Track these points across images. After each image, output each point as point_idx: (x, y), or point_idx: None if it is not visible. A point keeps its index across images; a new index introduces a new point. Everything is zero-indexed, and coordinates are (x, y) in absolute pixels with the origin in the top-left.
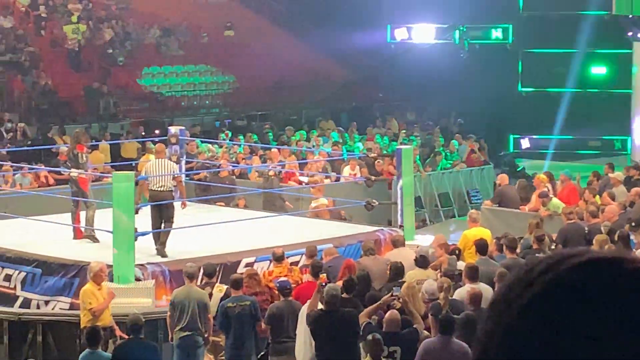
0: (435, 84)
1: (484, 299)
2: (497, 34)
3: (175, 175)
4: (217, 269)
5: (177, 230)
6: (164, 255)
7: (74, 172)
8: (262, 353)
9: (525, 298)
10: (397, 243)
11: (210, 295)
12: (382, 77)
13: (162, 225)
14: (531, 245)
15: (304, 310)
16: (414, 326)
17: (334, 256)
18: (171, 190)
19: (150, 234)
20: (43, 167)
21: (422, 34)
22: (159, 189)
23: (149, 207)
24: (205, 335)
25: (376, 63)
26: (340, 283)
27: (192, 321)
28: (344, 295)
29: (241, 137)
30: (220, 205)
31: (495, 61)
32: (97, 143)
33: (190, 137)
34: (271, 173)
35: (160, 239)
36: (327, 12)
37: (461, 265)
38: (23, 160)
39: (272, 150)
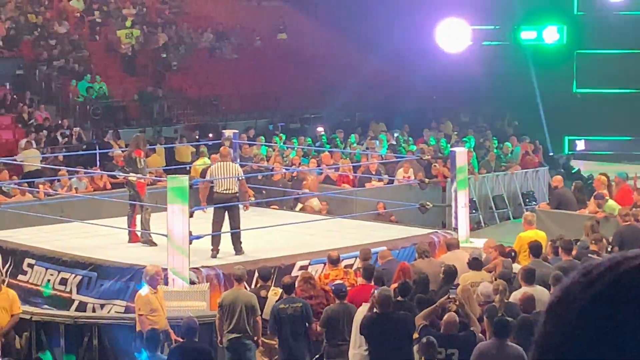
0: (489, 85)
1: (539, 301)
2: (551, 34)
3: (240, 178)
4: (272, 272)
5: (229, 233)
6: (241, 252)
7: (132, 176)
8: (317, 356)
9: (585, 299)
10: (451, 246)
11: (266, 298)
12: (436, 79)
13: (229, 227)
14: (588, 246)
15: (358, 314)
16: (471, 329)
17: (388, 259)
18: (237, 193)
19: (205, 237)
20: (98, 170)
21: (475, 35)
22: (224, 192)
23: (205, 209)
24: (255, 338)
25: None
26: (395, 286)
27: (241, 323)
28: (399, 298)
29: (295, 140)
30: (274, 209)
31: (549, 62)
32: (153, 147)
33: (245, 140)
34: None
35: (233, 242)
36: (381, 14)
37: (516, 267)
38: (78, 164)
39: (325, 153)
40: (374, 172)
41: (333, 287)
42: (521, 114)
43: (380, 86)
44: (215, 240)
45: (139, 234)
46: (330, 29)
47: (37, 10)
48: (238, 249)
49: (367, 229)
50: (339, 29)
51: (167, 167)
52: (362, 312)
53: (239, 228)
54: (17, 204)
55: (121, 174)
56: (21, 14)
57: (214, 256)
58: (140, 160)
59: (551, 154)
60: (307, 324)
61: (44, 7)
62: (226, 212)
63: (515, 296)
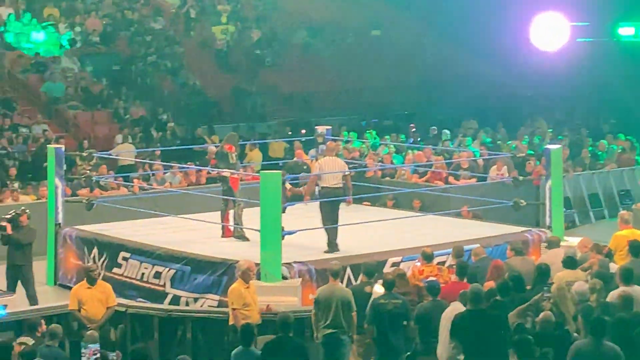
0: (584, 82)
1: (637, 301)
2: None
3: (347, 173)
4: (377, 269)
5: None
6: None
7: (226, 172)
8: (409, 353)
9: None
10: (552, 244)
11: (370, 294)
12: (531, 76)
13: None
14: None
15: (446, 312)
16: (566, 328)
17: (481, 257)
18: (342, 187)
19: (297, 233)
20: (192, 165)
21: (571, 31)
22: (334, 186)
23: (296, 205)
24: (350, 334)
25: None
26: (489, 284)
27: (336, 319)
28: (497, 297)
29: (387, 136)
30: (367, 205)
31: None
32: (245, 142)
33: (337, 137)
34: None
35: (329, 237)
36: (475, 9)
37: (613, 267)
38: (173, 159)
39: (419, 151)
40: (466, 169)
41: (426, 284)
42: (617, 112)
43: (474, 82)
44: (333, 234)
45: (231, 228)
46: (424, 24)
47: (134, 7)
48: (333, 248)
49: (459, 226)
50: (433, 25)
51: (261, 163)
52: (450, 311)
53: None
54: (113, 198)
55: (215, 169)
56: (118, 11)
57: (334, 251)
58: (232, 156)
59: None
60: (405, 321)
61: (140, 4)
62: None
63: (613, 295)
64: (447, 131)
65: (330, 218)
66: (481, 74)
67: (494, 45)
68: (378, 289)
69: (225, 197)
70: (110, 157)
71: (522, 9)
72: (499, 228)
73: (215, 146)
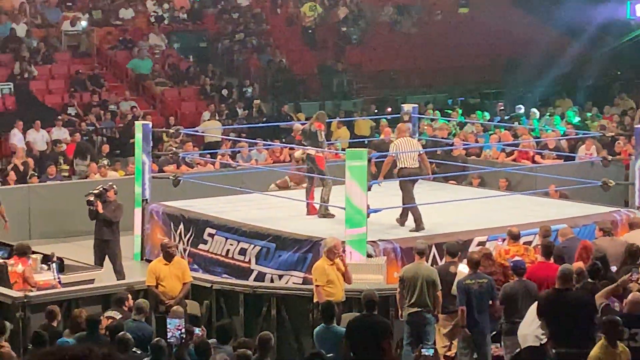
0: None
1: None
2: None
3: (421, 153)
4: (460, 248)
5: (409, 208)
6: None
7: (311, 150)
8: (494, 333)
9: None
10: (634, 225)
11: (455, 274)
12: (621, 54)
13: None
14: None
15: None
16: None
17: (569, 237)
18: (419, 167)
19: (382, 211)
20: (278, 143)
21: None
22: (411, 167)
23: (380, 184)
24: (435, 313)
25: (615, 39)
26: (578, 265)
27: (421, 298)
28: (588, 280)
29: (478, 113)
30: (452, 184)
31: None
32: (331, 120)
33: (423, 115)
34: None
35: (415, 216)
36: None
37: None
38: (258, 137)
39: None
40: (553, 149)
41: (512, 264)
42: None
43: (562, 60)
44: (417, 213)
45: (317, 206)
46: (512, 2)
47: None
48: (403, 223)
49: (546, 206)
50: (521, 2)
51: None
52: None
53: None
54: (199, 174)
55: (301, 147)
56: None
57: (420, 229)
58: (321, 134)
59: None
60: (490, 301)
61: None
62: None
63: None
64: (535, 110)
65: (412, 197)
66: (571, 52)
67: (584, 23)
68: (463, 269)
69: (311, 174)
70: (197, 133)
71: None
72: (587, 208)
73: (302, 124)
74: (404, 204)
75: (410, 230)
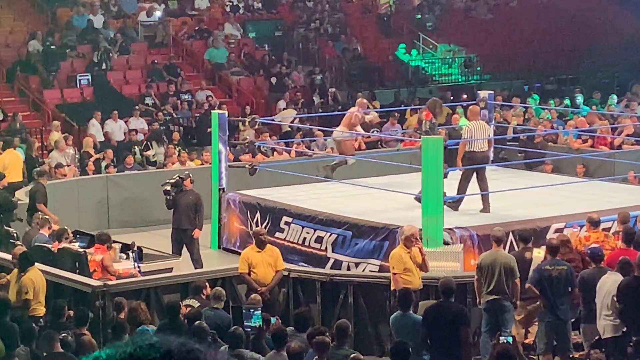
0: None
1: None
2: None
3: (490, 138)
4: (532, 234)
5: (485, 194)
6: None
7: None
8: (573, 320)
9: None
10: None
11: (530, 260)
12: None
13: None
14: None
15: (603, 280)
16: None
17: None
18: (488, 151)
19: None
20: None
21: None
22: (481, 150)
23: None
24: (513, 300)
25: None
26: None
27: (499, 285)
28: None
29: (551, 101)
30: (529, 170)
31: None
32: (405, 108)
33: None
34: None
35: (483, 199)
36: None
37: None
38: (334, 125)
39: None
40: (631, 135)
41: (589, 251)
42: None
43: None
44: (485, 197)
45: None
46: None
47: None
48: (487, 208)
49: (625, 192)
50: None
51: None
52: (607, 279)
53: (487, 188)
54: (275, 163)
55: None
56: None
57: (486, 211)
58: (426, 123)
59: None
60: (570, 288)
61: None
62: (475, 172)
63: None
64: (614, 96)
65: (467, 182)
66: None
67: None
68: (538, 253)
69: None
70: (273, 122)
71: None
72: None
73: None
74: (468, 189)
75: (481, 211)
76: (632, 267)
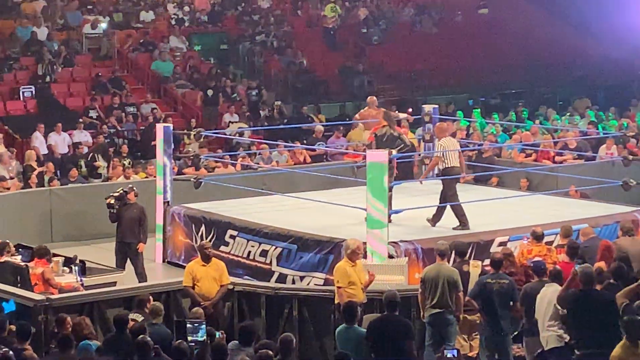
0: None
1: None
2: None
3: (460, 152)
4: (470, 248)
5: (431, 208)
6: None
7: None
8: (516, 333)
9: None
10: None
11: (468, 273)
12: None
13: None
14: None
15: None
16: None
17: (591, 236)
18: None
19: (403, 212)
20: (299, 144)
21: None
22: (455, 166)
23: (406, 184)
24: (456, 313)
25: (636, 41)
26: (600, 265)
27: (443, 298)
28: (612, 281)
29: (495, 115)
30: (472, 184)
31: None
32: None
33: (444, 115)
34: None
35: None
36: None
37: None
38: (279, 138)
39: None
40: (574, 149)
41: (532, 264)
42: None
43: (583, 61)
44: (460, 212)
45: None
46: (532, 3)
47: None
48: (434, 224)
49: (568, 206)
50: (541, 3)
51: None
52: (546, 291)
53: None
54: (220, 176)
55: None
56: None
57: (466, 228)
58: (385, 135)
59: None
60: (511, 302)
61: None
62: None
63: None
64: (554, 111)
65: (456, 196)
66: (591, 53)
67: (604, 24)
68: (475, 266)
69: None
70: (218, 135)
71: None
72: (608, 208)
73: (324, 126)
74: (448, 203)
75: (454, 228)
76: (566, 276)
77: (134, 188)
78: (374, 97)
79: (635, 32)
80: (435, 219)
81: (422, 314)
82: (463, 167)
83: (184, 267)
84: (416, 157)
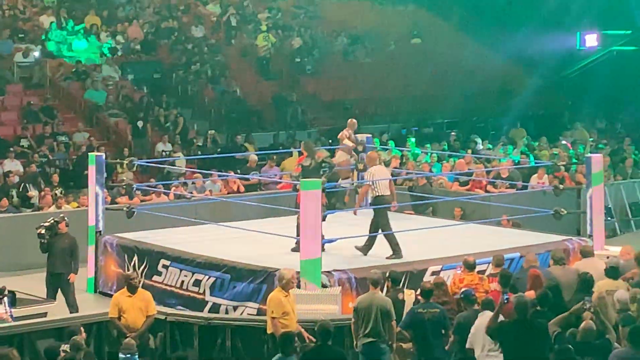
0: (628, 91)
1: None
2: None
3: (391, 180)
4: (404, 277)
5: (364, 237)
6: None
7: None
8: None
9: None
10: (586, 253)
11: (403, 302)
12: (572, 84)
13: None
14: None
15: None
16: (607, 337)
17: (533, 264)
18: (390, 195)
19: (337, 241)
20: (232, 174)
21: (613, 40)
22: (386, 194)
23: (340, 213)
24: (390, 343)
25: (566, 70)
26: (530, 294)
27: (376, 328)
28: (538, 308)
29: (428, 145)
30: (409, 213)
31: None
32: (284, 151)
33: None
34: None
35: (393, 244)
36: (514, 17)
37: None
38: (213, 167)
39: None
40: (506, 178)
41: (462, 294)
42: None
43: (514, 91)
44: (394, 240)
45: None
46: (464, 33)
47: (175, 15)
48: (366, 252)
49: (500, 235)
50: (473, 34)
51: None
52: (485, 319)
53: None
54: (153, 205)
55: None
56: (159, 19)
57: (399, 257)
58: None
59: None
60: (443, 330)
61: (181, 12)
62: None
63: None
64: (487, 140)
65: (389, 225)
66: (523, 83)
67: (535, 54)
68: (410, 294)
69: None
70: (151, 165)
71: (567, 19)
72: (540, 237)
73: (257, 154)
74: (380, 232)
75: (387, 258)
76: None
77: (65, 218)
78: (353, 120)
79: (563, 63)
80: (367, 247)
81: (355, 343)
82: (394, 195)
83: None
84: (349, 187)
